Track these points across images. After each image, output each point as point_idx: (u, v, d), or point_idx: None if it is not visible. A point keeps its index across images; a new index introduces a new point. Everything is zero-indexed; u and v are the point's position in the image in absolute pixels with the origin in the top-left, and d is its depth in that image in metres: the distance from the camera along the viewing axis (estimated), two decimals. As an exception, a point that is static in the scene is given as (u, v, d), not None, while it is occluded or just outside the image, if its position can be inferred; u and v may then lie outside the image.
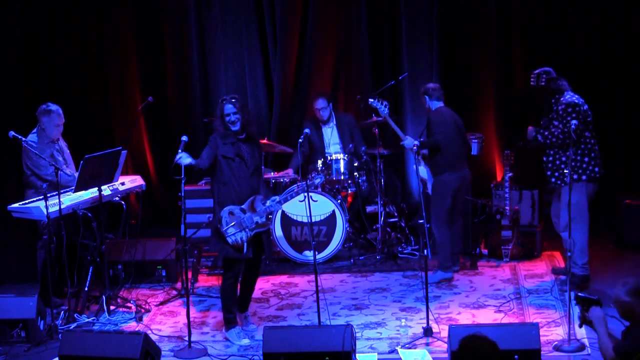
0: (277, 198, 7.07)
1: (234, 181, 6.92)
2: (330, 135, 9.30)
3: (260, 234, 7.02)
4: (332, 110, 9.37)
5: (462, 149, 8.25)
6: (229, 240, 6.87)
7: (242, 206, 6.92)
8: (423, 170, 8.29)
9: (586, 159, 7.55)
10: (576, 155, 7.51)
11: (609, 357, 5.42)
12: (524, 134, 7.82)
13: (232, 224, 6.87)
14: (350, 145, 9.29)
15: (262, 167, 9.01)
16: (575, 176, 7.50)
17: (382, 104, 8.44)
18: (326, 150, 9.30)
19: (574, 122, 7.33)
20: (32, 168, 7.70)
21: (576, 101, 7.55)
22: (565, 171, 7.47)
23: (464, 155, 8.28)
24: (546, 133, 7.59)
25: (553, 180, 7.67)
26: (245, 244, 6.89)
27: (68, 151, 8.04)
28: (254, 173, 6.99)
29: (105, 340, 6.25)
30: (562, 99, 7.60)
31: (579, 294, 5.98)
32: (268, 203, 6.99)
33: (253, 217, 6.93)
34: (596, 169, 7.58)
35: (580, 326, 5.95)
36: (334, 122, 9.35)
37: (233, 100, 6.95)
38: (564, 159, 7.55)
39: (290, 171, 9.30)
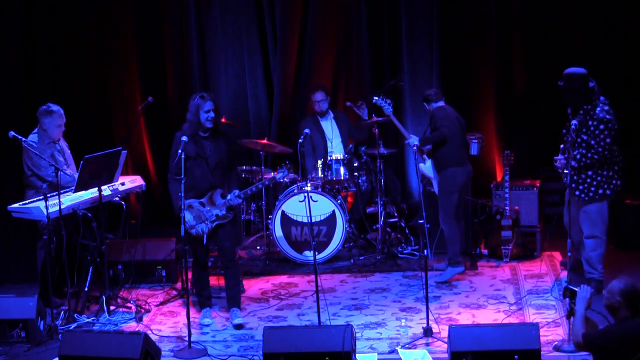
0: (237, 192, 7.26)
1: (192, 177, 7.16)
2: (331, 129, 9.28)
3: (224, 225, 7.28)
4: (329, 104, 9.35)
5: (465, 145, 8.27)
6: (192, 232, 7.24)
7: (202, 200, 7.21)
8: (429, 168, 8.29)
9: (610, 173, 7.34)
10: (603, 170, 7.30)
11: (575, 341, 5.59)
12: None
13: (192, 216, 7.21)
14: (351, 146, 9.29)
15: (259, 166, 9.08)
16: (600, 191, 7.31)
17: (386, 102, 8.46)
18: (329, 145, 9.25)
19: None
20: (32, 168, 7.69)
21: (609, 117, 7.22)
22: (591, 187, 7.29)
23: (467, 152, 8.30)
24: (578, 157, 7.23)
25: (577, 193, 7.34)
26: (205, 235, 7.25)
27: (69, 152, 8.04)
28: (215, 168, 7.23)
29: (105, 341, 6.26)
30: (593, 112, 7.23)
31: (569, 286, 6.02)
32: (228, 197, 7.23)
33: (212, 210, 7.22)
34: (619, 182, 7.40)
35: (568, 318, 5.99)
36: (332, 116, 9.34)
37: (212, 97, 7.23)
38: (589, 173, 7.29)
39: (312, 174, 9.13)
